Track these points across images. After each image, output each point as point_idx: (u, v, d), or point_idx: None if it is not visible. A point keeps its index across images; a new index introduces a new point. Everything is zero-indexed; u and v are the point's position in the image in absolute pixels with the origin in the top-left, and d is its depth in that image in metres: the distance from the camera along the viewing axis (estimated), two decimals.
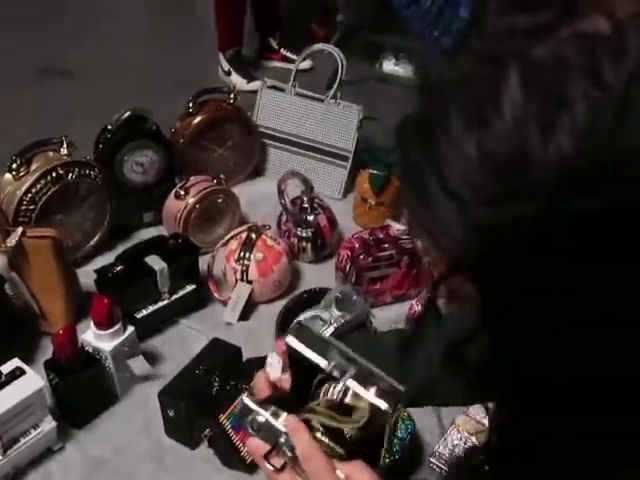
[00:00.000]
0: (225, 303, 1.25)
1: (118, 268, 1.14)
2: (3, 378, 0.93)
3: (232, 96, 1.54)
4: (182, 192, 1.34)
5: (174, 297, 1.20)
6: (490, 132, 0.32)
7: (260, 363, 1.03)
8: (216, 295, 1.26)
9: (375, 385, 0.50)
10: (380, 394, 0.49)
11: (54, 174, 1.24)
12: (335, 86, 1.55)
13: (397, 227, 1.28)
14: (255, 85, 1.91)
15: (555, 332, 0.36)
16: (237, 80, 2.08)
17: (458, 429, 1.00)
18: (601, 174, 0.31)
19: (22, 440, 0.94)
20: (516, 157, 0.32)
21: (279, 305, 1.21)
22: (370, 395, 0.49)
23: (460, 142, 0.33)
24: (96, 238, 1.36)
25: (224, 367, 1.02)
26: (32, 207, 1.22)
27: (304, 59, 1.70)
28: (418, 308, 1.17)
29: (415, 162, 0.36)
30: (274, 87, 1.62)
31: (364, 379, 0.51)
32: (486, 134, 0.32)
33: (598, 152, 0.31)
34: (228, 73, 2.13)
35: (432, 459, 0.99)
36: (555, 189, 0.31)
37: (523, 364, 0.39)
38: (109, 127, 1.38)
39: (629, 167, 0.31)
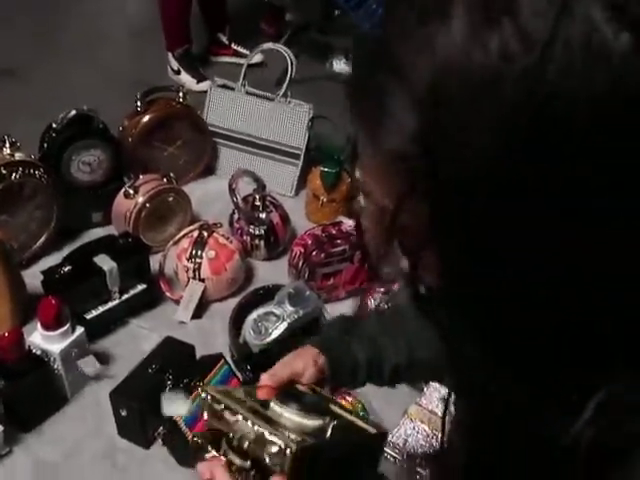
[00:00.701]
0: (177, 302, 1.24)
1: (66, 268, 1.12)
2: None
3: (181, 95, 1.53)
4: (131, 191, 1.32)
5: (124, 297, 1.18)
6: (448, 35, 0.32)
7: (214, 360, 1.04)
8: (168, 294, 1.25)
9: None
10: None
11: None
12: (285, 85, 1.55)
13: (349, 223, 1.29)
14: (205, 85, 1.91)
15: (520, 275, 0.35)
16: (187, 80, 2.07)
17: (411, 418, 1.02)
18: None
19: None
20: (477, 67, 0.31)
21: (232, 303, 1.21)
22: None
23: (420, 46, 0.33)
24: (42, 239, 1.33)
25: (177, 365, 1.01)
26: None
27: (254, 57, 1.70)
28: (371, 302, 1.19)
29: (374, 77, 0.36)
30: (224, 86, 1.61)
31: None
32: (444, 38, 0.32)
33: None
34: (177, 72, 2.11)
35: (386, 449, 1.00)
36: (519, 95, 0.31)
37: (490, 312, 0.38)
38: (54, 126, 1.35)
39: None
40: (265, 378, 0.68)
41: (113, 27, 2.65)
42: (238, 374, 1.07)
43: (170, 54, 2.10)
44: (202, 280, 1.23)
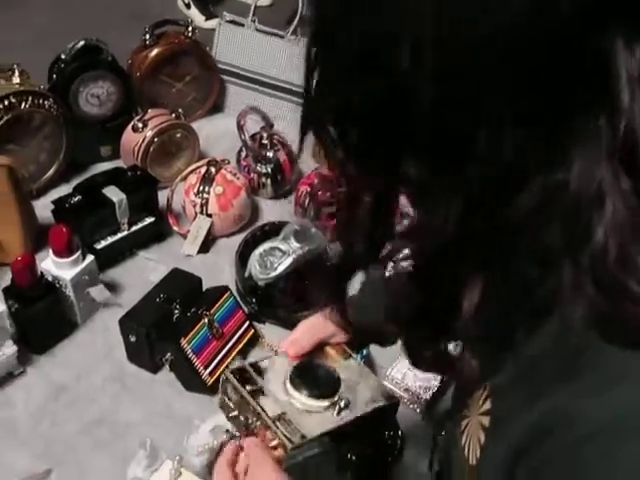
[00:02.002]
0: (184, 236, 1.26)
1: (76, 199, 1.14)
2: None
3: (190, 29, 1.51)
4: (140, 125, 1.32)
5: (133, 229, 1.20)
6: None
7: (220, 292, 1.06)
8: (175, 228, 1.27)
9: None
10: None
11: (6, 102, 1.20)
12: (295, 22, 1.53)
13: None
14: (213, 23, 1.87)
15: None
16: (195, 15, 2.04)
17: None
18: None
19: None
20: None
21: (238, 239, 1.22)
22: None
23: None
24: (52, 170, 1.34)
25: (184, 295, 1.04)
26: None
27: None
28: None
29: None
30: (233, 22, 1.59)
31: None
32: None
33: None
34: (187, 6, 2.08)
35: (385, 382, 1.04)
36: None
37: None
38: (63, 57, 1.34)
39: None
40: (289, 347, 0.74)
41: None
42: (243, 307, 1.10)
43: None
44: (209, 215, 1.25)
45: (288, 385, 0.70)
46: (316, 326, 0.78)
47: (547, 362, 0.40)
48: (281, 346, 0.77)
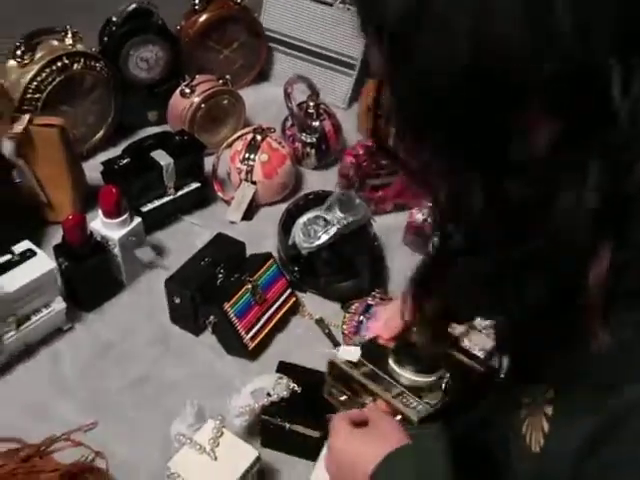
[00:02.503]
0: (228, 203, 1.27)
1: (124, 161, 1.15)
2: (15, 257, 0.95)
3: None
4: (188, 90, 1.33)
5: (179, 193, 1.22)
6: None
7: (263, 259, 1.07)
8: (220, 194, 1.28)
9: None
10: None
11: (59, 63, 1.22)
12: None
13: None
14: None
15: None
16: None
17: None
18: None
19: (34, 318, 0.98)
20: None
21: (281, 208, 1.22)
22: None
23: None
24: (100, 133, 1.36)
25: (228, 260, 1.05)
26: (37, 96, 1.21)
27: None
28: (418, 217, 1.20)
29: None
30: None
31: None
32: None
33: None
34: None
35: None
36: None
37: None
38: (114, 19, 1.35)
39: None
40: (383, 331, 0.75)
41: None
42: (285, 274, 1.10)
43: None
44: (253, 183, 1.25)
45: (394, 366, 0.70)
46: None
47: (623, 353, 0.39)
48: (372, 331, 0.78)
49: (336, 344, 1.03)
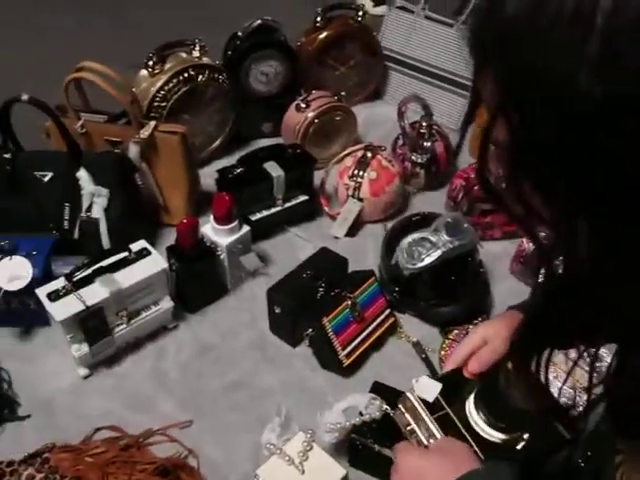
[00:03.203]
0: (334, 218, 1.28)
1: (238, 170, 1.19)
2: (132, 256, 1.01)
3: (360, 14, 1.52)
4: (303, 105, 1.36)
5: (287, 205, 1.24)
6: None
7: (365, 276, 1.07)
8: (326, 209, 1.29)
9: None
10: None
11: (185, 74, 1.29)
12: (467, 11, 1.49)
13: None
14: (381, 10, 1.88)
15: None
16: (365, 0, 2.05)
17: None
18: None
19: (144, 313, 1.02)
20: None
21: (389, 225, 1.22)
22: None
23: None
24: (217, 142, 1.42)
25: (330, 274, 1.06)
26: (163, 104, 1.28)
27: None
28: (528, 246, 1.15)
29: None
30: (403, 8, 1.58)
31: None
32: None
33: None
34: None
35: None
36: None
37: None
38: (239, 34, 1.41)
39: None
40: (471, 362, 0.76)
41: None
42: (386, 294, 1.09)
43: None
44: (360, 199, 1.26)
45: (472, 410, 0.68)
46: (494, 333, 0.76)
47: None
48: (451, 363, 0.77)
49: (432, 369, 1.01)
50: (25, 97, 1.03)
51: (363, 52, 1.55)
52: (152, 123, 1.16)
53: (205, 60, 1.32)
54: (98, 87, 1.13)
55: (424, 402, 0.73)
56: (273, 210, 1.23)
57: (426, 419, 0.70)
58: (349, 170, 1.26)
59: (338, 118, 1.39)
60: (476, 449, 0.66)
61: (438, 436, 0.69)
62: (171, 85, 1.28)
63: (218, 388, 1.00)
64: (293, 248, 1.23)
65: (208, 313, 1.11)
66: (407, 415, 0.74)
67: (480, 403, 0.67)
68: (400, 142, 1.38)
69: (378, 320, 1.06)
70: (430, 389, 0.72)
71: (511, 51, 0.39)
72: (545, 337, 0.50)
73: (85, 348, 0.97)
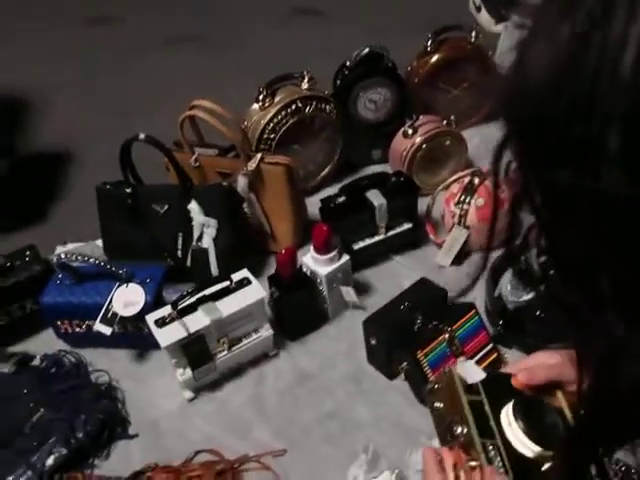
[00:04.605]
0: (440, 246, 1.25)
1: (340, 199, 1.20)
2: (233, 285, 1.05)
3: (474, 34, 1.48)
4: (410, 131, 1.34)
5: (390, 233, 1.23)
6: None
7: (465, 309, 1.03)
8: (432, 237, 1.26)
9: None
10: None
11: (294, 106, 1.32)
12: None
13: None
14: (500, 27, 1.81)
15: None
16: (485, 19, 1.99)
17: None
18: None
19: (244, 341, 1.06)
20: None
21: (494, 255, 1.17)
22: None
23: None
24: (326, 170, 1.44)
25: (428, 306, 1.03)
26: (272, 136, 1.32)
27: None
28: None
29: None
30: (522, 26, 1.51)
31: None
32: None
33: None
34: (478, 9, 2.04)
35: None
36: None
37: None
38: (347, 64, 1.42)
39: None
40: (522, 372, 0.68)
41: None
42: (488, 327, 1.04)
43: None
44: (467, 227, 1.21)
45: (509, 414, 0.64)
46: (558, 364, 0.70)
47: None
48: (510, 368, 0.71)
49: None
50: (142, 136, 1.12)
51: (477, 73, 1.50)
52: (258, 155, 1.21)
53: (313, 91, 1.35)
54: (208, 124, 1.19)
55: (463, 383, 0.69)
56: (376, 238, 1.23)
57: (461, 394, 0.65)
58: (455, 197, 1.23)
59: (447, 143, 1.36)
60: (503, 455, 0.61)
61: (469, 419, 0.64)
62: (280, 117, 1.32)
63: (312, 418, 1.00)
64: (396, 277, 1.22)
65: (308, 341, 1.13)
66: (442, 389, 0.69)
67: (520, 410, 0.63)
68: (514, 165, 1.32)
69: (479, 355, 1.01)
70: (473, 373, 0.68)
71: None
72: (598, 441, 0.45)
73: (188, 372, 1.02)
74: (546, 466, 0.61)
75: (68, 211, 1.51)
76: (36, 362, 1.13)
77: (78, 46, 2.22)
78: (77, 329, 1.13)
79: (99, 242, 1.28)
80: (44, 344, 1.16)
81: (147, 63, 2.05)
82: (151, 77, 1.98)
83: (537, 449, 0.61)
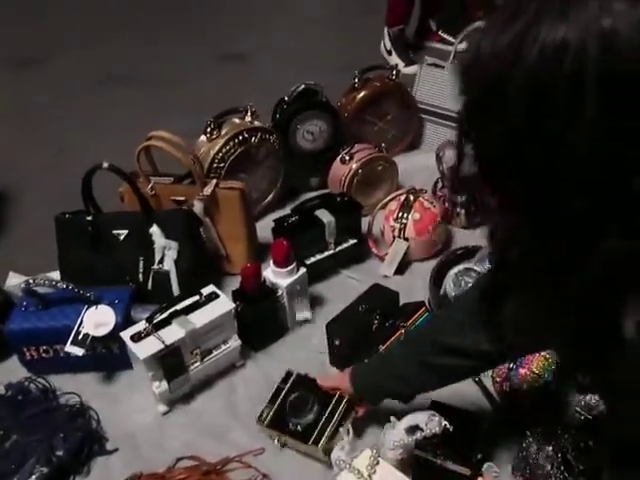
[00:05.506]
0: (382, 259, 1.37)
1: (293, 218, 1.30)
2: (203, 299, 1.11)
3: (394, 73, 1.65)
4: (347, 157, 1.48)
5: (338, 248, 1.34)
6: None
7: (416, 307, 1.14)
8: (374, 251, 1.39)
9: None
10: None
11: (240, 137, 1.42)
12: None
13: None
14: (412, 69, 2.01)
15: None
16: (396, 61, 2.19)
17: None
18: None
19: (215, 352, 1.12)
20: None
21: (431, 264, 1.30)
22: None
23: None
24: (270, 197, 1.54)
25: (383, 307, 1.14)
26: (222, 165, 1.41)
27: (462, 40, 1.77)
28: None
29: None
30: (434, 65, 1.71)
31: None
32: None
33: None
34: (389, 53, 2.24)
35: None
36: None
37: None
38: (285, 99, 1.55)
39: None
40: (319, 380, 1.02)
41: (325, 8, 2.87)
42: None
43: (386, 31, 2.22)
44: (406, 239, 1.35)
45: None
46: (338, 378, 1.04)
47: None
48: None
49: (485, 391, 1.06)
50: (106, 165, 1.18)
51: (399, 107, 1.67)
52: (213, 181, 1.29)
53: (257, 123, 1.46)
54: (166, 152, 1.27)
55: None
56: (326, 254, 1.33)
57: None
58: (394, 213, 1.36)
59: (380, 168, 1.50)
60: None
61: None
62: (228, 147, 1.41)
63: None
64: (346, 289, 1.32)
65: (272, 350, 1.20)
66: None
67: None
68: (440, 185, 1.48)
69: None
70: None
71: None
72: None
73: (164, 385, 1.07)
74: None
75: (10, 246, 1.51)
76: (0, 391, 1.13)
77: (10, 87, 2.23)
78: (44, 355, 1.14)
79: (51, 274, 1.30)
80: (7, 373, 1.16)
81: (82, 101, 2.09)
82: (86, 115, 2.02)
83: None
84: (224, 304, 1.12)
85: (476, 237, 1.41)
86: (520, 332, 0.67)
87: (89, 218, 1.23)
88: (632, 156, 0.44)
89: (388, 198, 1.39)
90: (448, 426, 0.91)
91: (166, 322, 1.07)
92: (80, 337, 1.10)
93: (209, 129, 1.42)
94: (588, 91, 0.42)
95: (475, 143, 0.51)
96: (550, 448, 0.91)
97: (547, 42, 0.43)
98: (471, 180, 0.54)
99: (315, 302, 1.29)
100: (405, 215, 1.35)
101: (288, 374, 1.06)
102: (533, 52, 0.44)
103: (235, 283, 1.23)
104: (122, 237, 1.25)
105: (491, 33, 0.48)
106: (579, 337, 0.54)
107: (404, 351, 0.93)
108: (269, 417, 1.02)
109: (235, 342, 1.14)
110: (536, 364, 1.01)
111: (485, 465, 0.90)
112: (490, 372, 1.09)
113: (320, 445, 0.96)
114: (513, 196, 0.50)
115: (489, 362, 0.89)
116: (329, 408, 0.99)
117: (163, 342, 1.04)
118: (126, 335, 1.06)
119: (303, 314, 1.24)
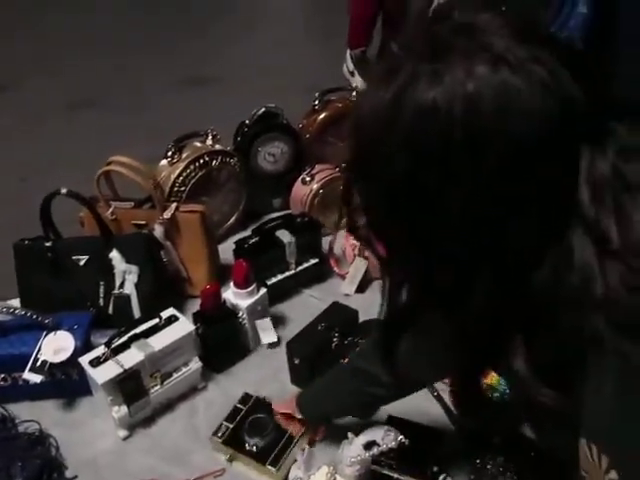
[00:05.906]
0: (343, 277, 1.39)
1: (253, 239, 1.31)
2: (162, 322, 1.12)
3: (354, 94, 1.68)
4: (308, 178, 1.50)
5: (299, 268, 1.36)
6: None
7: (374, 324, 1.16)
8: (336, 270, 1.40)
9: None
10: None
11: (201, 161, 1.44)
12: None
13: None
14: None
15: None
16: (359, 82, 2.23)
17: None
18: None
19: (175, 375, 1.12)
20: None
21: None
22: None
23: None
24: (232, 219, 1.56)
25: (343, 325, 1.15)
26: (183, 189, 1.43)
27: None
28: None
29: None
30: None
31: None
32: None
33: None
34: (352, 73, 2.28)
35: None
36: None
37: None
38: (246, 122, 1.57)
39: None
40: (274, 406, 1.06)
41: (289, 32, 2.92)
42: None
43: (348, 53, 2.26)
44: (366, 258, 1.37)
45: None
46: (289, 405, 1.05)
47: None
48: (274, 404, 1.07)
49: (443, 404, 1.08)
50: (64, 190, 1.18)
51: None
52: (173, 205, 1.30)
53: (217, 147, 1.48)
54: (125, 177, 1.28)
55: None
56: (287, 273, 1.35)
57: None
58: None
59: (341, 187, 1.52)
60: None
61: None
62: (189, 171, 1.43)
63: None
64: (308, 308, 1.33)
65: (233, 372, 1.21)
66: None
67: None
68: None
69: None
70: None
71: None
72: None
73: (124, 409, 1.07)
74: None
75: None
76: None
77: None
78: (2, 383, 1.13)
79: (11, 302, 1.30)
80: None
81: (47, 127, 2.09)
82: (50, 141, 2.02)
83: None
84: (184, 326, 1.12)
85: None
86: (414, 368, 0.74)
87: (48, 244, 1.23)
88: (498, 214, 0.47)
89: None
90: (404, 440, 0.93)
91: (125, 346, 1.07)
92: (38, 364, 1.10)
93: (170, 153, 1.44)
94: (455, 151, 0.45)
95: (359, 194, 0.54)
96: (503, 459, 0.92)
97: (421, 102, 0.46)
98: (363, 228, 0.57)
99: (278, 322, 1.30)
100: None
101: (247, 396, 1.07)
102: (409, 112, 0.47)
103: (197, 305, 1.24)
104: (82, 262, 1.25)
105: (370, 92, 0.51)
106: (473, 373, 0.57)
107: (343, 378, 0.97)
108: (226, 434, 1.02)
109: (196, 364, 1.14)
110: (491, 375, 1.03)
111: (441, 477, 0.92)
112: (448, 385, 1.11)
113: (277, 467, 0.96)
114: (396, 245, 0.54)
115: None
116: (287, 434, 1.01)
117: (122, 366, 1.04)
118: (85, 360, 1.05)
119: (269, 337, 1.24)
